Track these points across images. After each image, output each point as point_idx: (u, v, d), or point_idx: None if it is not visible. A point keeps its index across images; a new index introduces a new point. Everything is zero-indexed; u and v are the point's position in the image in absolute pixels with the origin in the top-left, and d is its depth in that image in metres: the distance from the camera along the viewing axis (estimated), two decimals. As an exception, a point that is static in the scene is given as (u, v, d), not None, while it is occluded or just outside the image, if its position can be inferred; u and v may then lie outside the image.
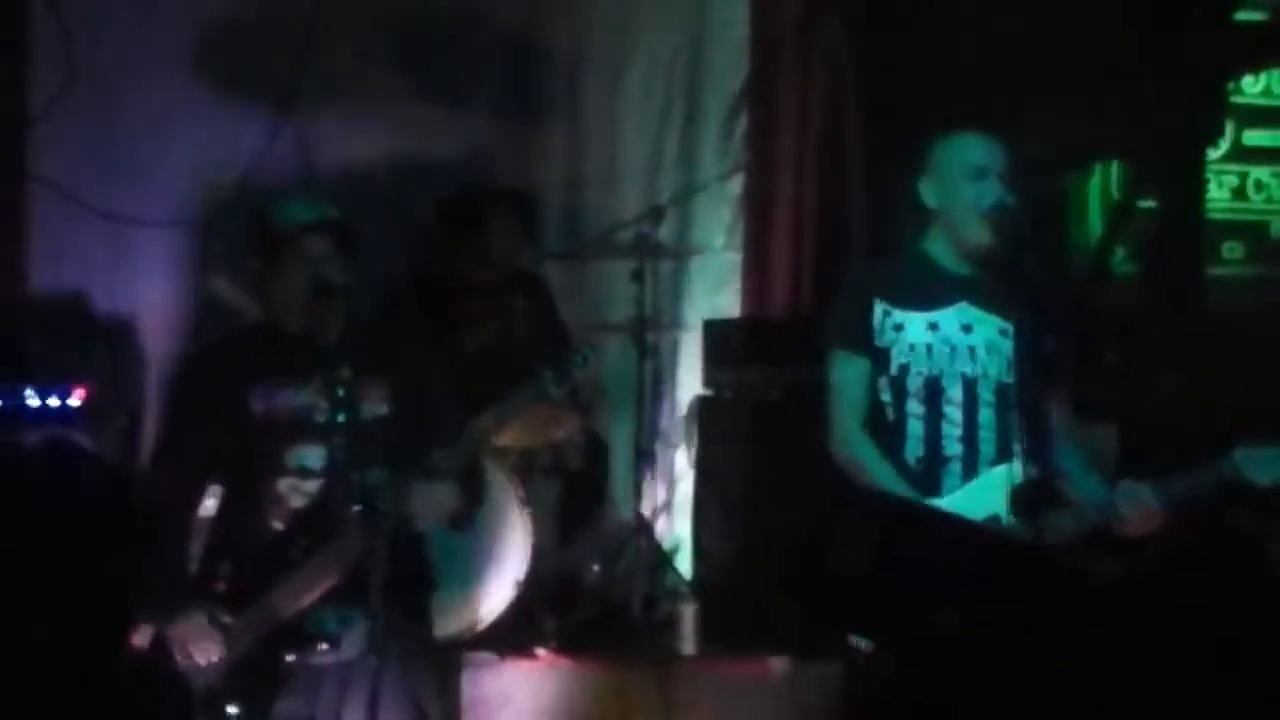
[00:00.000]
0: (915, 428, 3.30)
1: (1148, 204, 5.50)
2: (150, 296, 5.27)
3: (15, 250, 5.09)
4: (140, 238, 5.28)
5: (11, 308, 5.01)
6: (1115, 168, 5.80)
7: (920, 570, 2.98)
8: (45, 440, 4.52)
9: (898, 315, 3.34)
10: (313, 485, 3.39)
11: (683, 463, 5.69)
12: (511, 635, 4.55)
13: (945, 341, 3.31)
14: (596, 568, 5.14)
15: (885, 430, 3.30)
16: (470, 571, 4.53)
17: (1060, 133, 5.42)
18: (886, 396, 3.32)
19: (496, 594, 4.56)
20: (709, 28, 5.90)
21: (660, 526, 5.55)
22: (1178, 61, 5.25)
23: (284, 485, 3.39)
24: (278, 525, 3.39)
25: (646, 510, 5.19)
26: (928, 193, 3.41)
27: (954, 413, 3.29)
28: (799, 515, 4.55)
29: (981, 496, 3.23)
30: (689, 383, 5.69)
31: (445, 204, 5.22)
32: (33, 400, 4.56)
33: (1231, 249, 6.03)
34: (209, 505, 3.53)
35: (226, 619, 3.32)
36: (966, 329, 3.32)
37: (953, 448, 3.28)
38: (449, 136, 5.58)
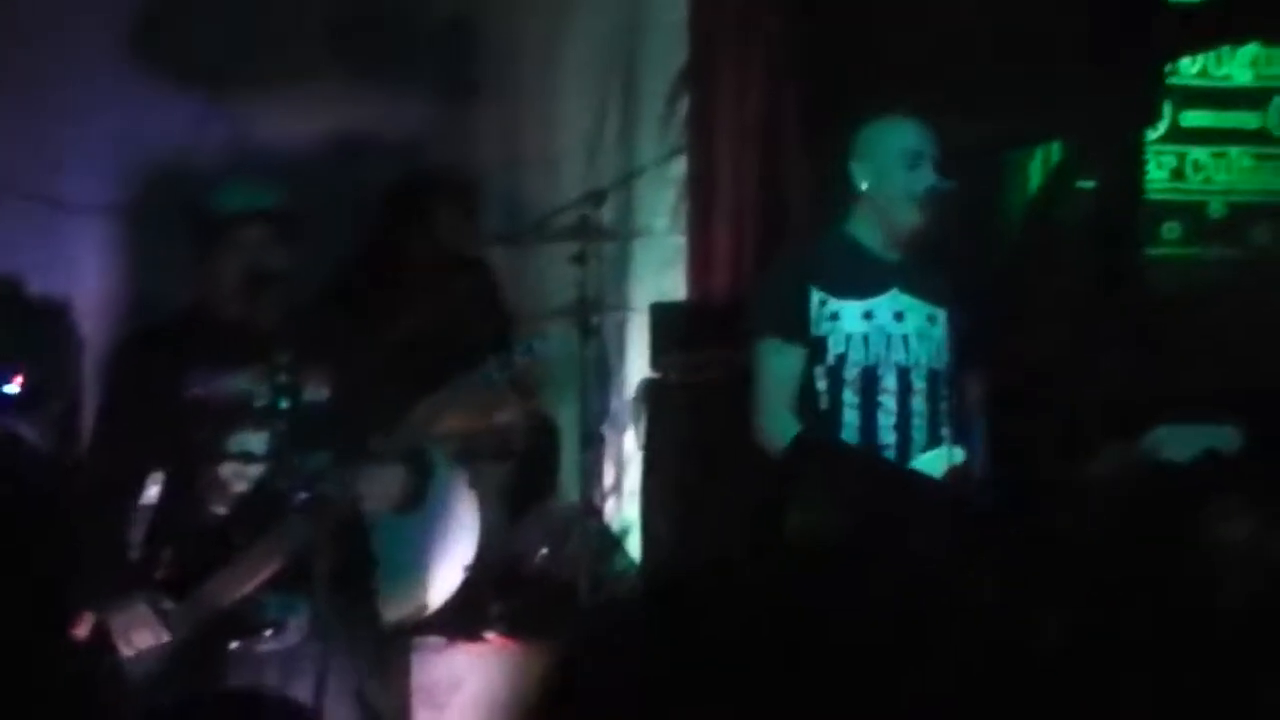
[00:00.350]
0: (850, 416, 3.33)
1: (1088, 185, 5.54)
2: (85, 281, 5.19)
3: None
4: (72, 222, 5.20)
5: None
6: (1056, 149, 5.83)
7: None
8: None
9: (834, 304, 3.36)
10: (255, 470, 3.36)
11: (631, 445, 5.69)
12: (459, 619, 4.53)
13: (880, 331, 3.34)
14: (545, 551, 5.12)
15: (818, 418, 3.32)
16: (417, 556, 4.50)
17: (999, 115, 5.44)
18: (822, 385, 3.35)
19: (444, 578, 4.54)
20: (647, 7, 5.88)
21: (609, 509, 5.54)
22: (1115, 43, 5.28)
23: (226, 470, 3.36)
24: (220, 510, 3.36)
25: (594, 494, 5.18)
26: (860, 175, 3.43)
27: (889, 401, 3.33)
28: (745, 497, 4.60)
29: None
30: (638, 366, 5.68)
31: (392, 189, 5.18)
32: (-33, 386, 4.51)
33: (1170, 229, 6.09)
34: (150, 493, 3.49)
35: (167, 605, 3.27)
36: (899, 317, 3.36)
37: (887, 436, 3.33)
38: (384, 118, 5.52)
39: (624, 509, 5.65)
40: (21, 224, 5.12)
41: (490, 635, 4.54)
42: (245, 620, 3.30)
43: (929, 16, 5.45)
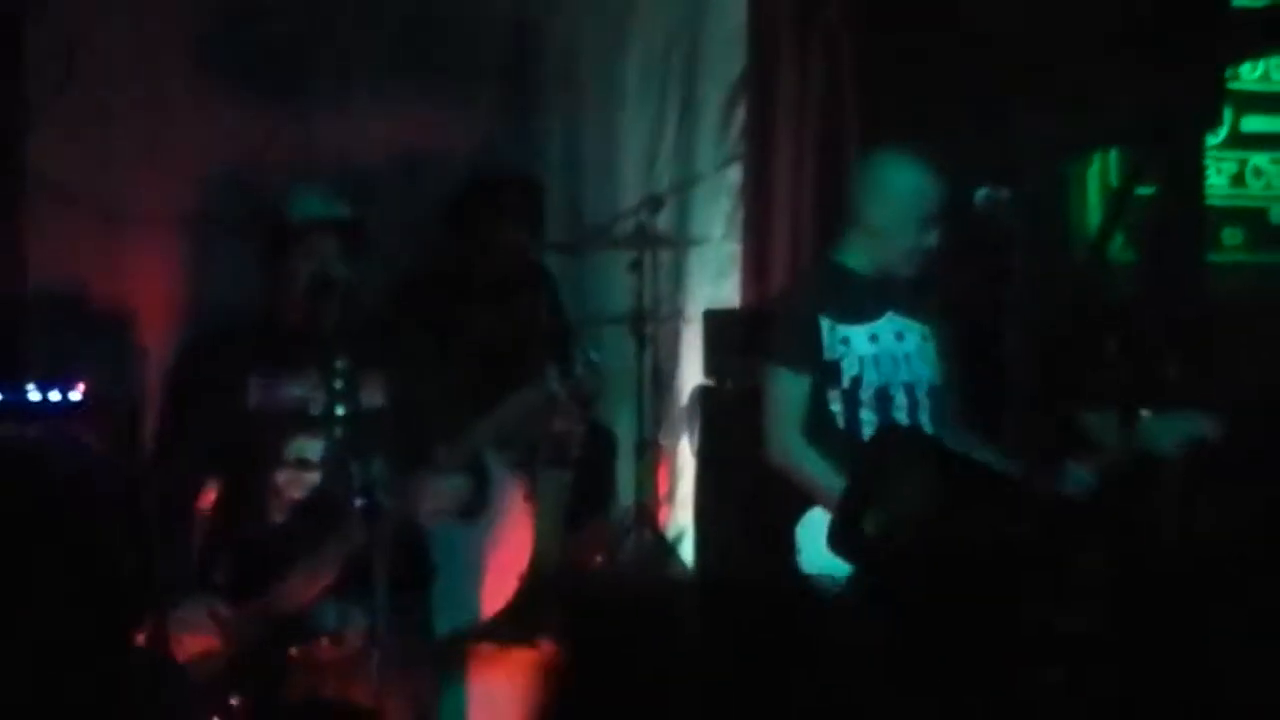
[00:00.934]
0: (869, 434, 3.52)
1: (1147, 191, 5.49)
2: (149, 292, 5.26)
3: (14, 248, 5.08)
4: (138, 233, 5.27)
5: (11, 304, 5.01)
6: (1114, 155, 5.79)
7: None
8: (48, 434, 4.52)
9: (842, 330, 3.56)
10: (312, 477, 3.39)
11: (686, 453, 5.70)
12: (515, 628, 4.55)
13: (886, 352, 3.56)
14: (600, 559, 5.14)
15: (835, 437, 3.50)
16: (473, 564, 4.53)
17: (1059, 120, 5.41)
18: (837, 407, 3.55)
19: (500, 587, 4.57)
20: (706, 15, 5.89)
21: (664, 516, 5.55)
22: (1177, 47, 5.24)
23: (283, 477, 3.39)
24: (277, 517, 3.39)
25: (649, 501, 5.19)
26: (871, 210, 3.58)
27: (902, 417, 3.56)
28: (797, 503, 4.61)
29: None
30: (693, 373, 5.69)
31: (457, 198, 5.21)
32: (34, 395, 4.57)
33: (1231, 235, 6.03)
34: (208, 499, 3.53)
35: (225, 611, 3.31)
36: (899, 337, 3.60)
37: None
38: (447, 127, 5.57)
39: (678, 516, 5.66)
40: (86, 234, 5.19)
41: (545, 643, 4.55)
42: (304, 628, 3.32)
43: (988, 23, 5.43)
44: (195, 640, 3.29)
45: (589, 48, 5.79)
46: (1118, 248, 5.57)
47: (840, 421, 3.56)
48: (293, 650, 3.32)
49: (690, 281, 5.83)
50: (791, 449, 3.54)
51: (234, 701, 3.29)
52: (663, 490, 5.62)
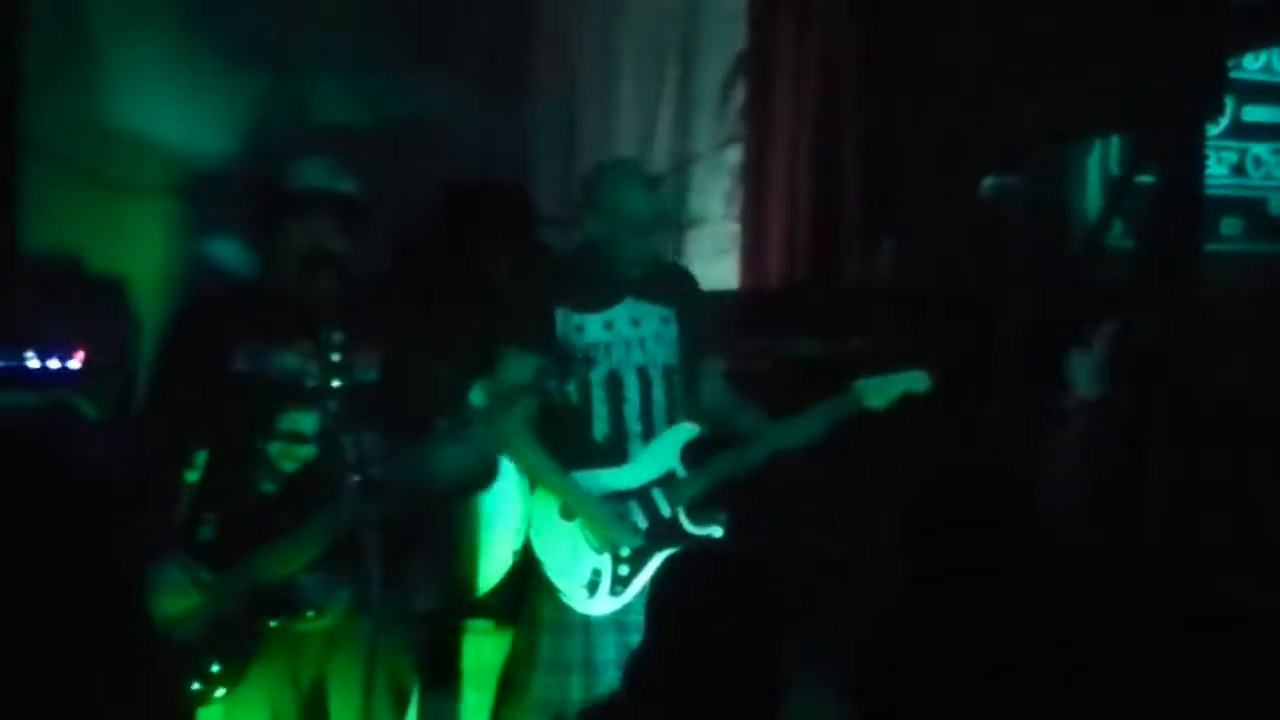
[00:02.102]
0: (600, 410, 3.77)
1: (1146, 179, 5.50)
2: (143, 260, 5.26)
3: (8, 215, 5.08)
4: (133, 201, 5.27)
5: (10, 272, 5.01)
6: (1115, 142, 5.79)
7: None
8: (46, 402, 4.53)
9: (576, 318, 3.77)
10: (304, 450, 3.37)
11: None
12: (508, 603, 4.55)
13: (620, 337, 3.77)
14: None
15: (568, 415, 3.73)
16: (467, 540, 4.54)
17: (1059, 106, 5.41)
18: (570, 387, 3.73)
19: (493, 563, 4.57)
20: (705, -7, 5.90)
21: (654, 495, 5.55)
22: (1178, 36, 5.24)
23: (275, 449, 3.37)
24: (267, 487, 3.38)
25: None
26: (594, 226, 3.80)
27: (633, 395, 3.78)
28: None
29: (659, 455, 3.79)
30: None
31: (455, 195, 5.21)
32: (33, 362, 4.58)
33: (1230, 225, 6.03)
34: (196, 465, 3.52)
35: (204, 575, 3.29)
36: (635, 322, 3.80)
37: (634, 425, 3.78)
38: (442, 103, 5.56)
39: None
40: (83, 203, 5.18)
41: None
42: (287, 599, 3.32)
43: (991, 8, 5.42)
44: (174, 601, 3.27)
45: (585, 25, 5.77)
46: (1116, 235, 5.59)
47: (575, 399, 3.76)
48: (275, 620, 3.32)
49: (689, 261, 5.81)
50: (511, 432, 3.68)
51: (215, 668, 3.29)
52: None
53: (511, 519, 4.59)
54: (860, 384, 3.84)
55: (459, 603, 4.58)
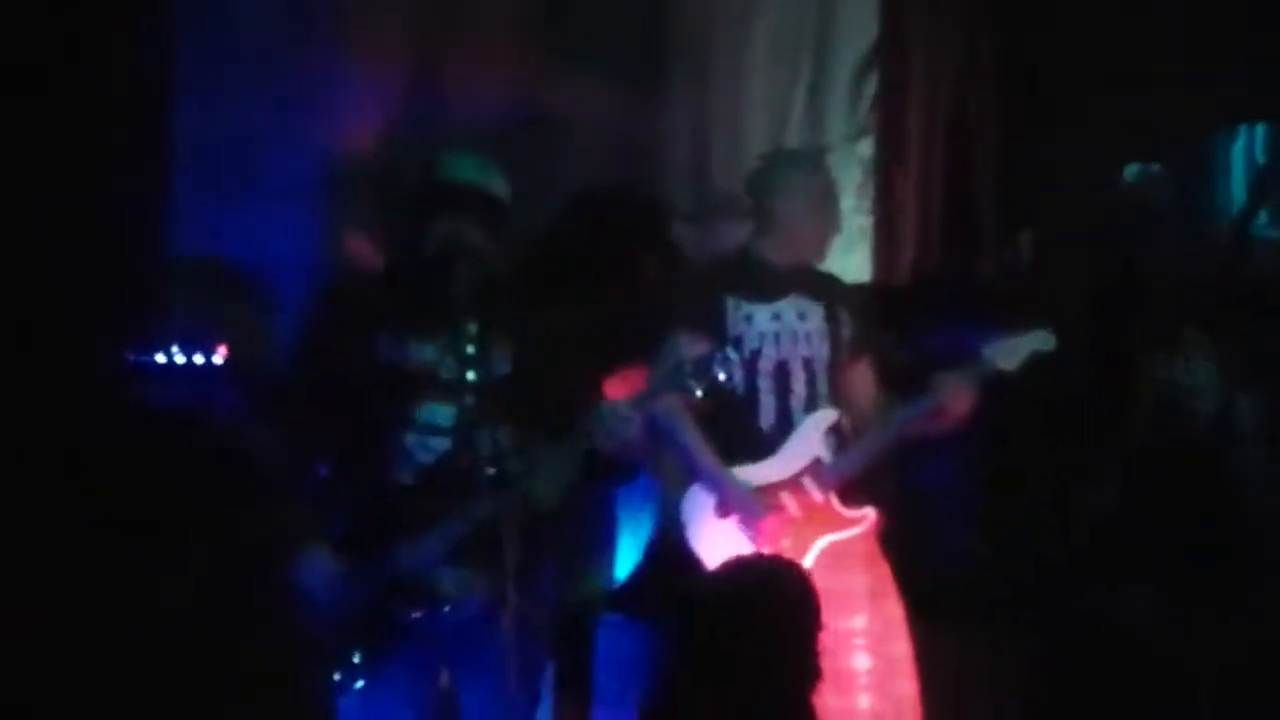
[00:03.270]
0: (768, 400, 3.86)
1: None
2: (287, 258, 5.34)
3: (157, 213, 5.19)
4: (278, 199, 5.35)
5: (154, 270, 5.12)
6: (1260, 130, 5.64)
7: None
8: (191, 397, 4.64)
9: (746, 308, 3.88)
10: (439, 442, 3.39)
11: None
12: (642, 599, 4.56)
13: (788, 329, 3.88)
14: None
15: (734, 403, 3.78)
16: (601, 534, 4.56)
17: (1202, 94, 5.29)
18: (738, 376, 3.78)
19: (626, 557, 4.59)
20: (837, -15, 5.85)
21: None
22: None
23: (411, 440, 3.39)
24: (404, 479, 3.40)
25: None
26: (779, 205, 3.94)
27: (799, 388, 3.87)
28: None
29: (805, 443, 3.87)
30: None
31: (586, 206, 5.23)
32: (178, 358, 4.69)
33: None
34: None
35: (342, 565, 3.33)
36: (802, 317, 3.91)
37: (800, 417, 3.87)
38: (579, 95, 5.57)
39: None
40: (226, 200, 5.28)
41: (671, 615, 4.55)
42: (428, 591, 3.35)
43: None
44: (316, 590, 3.33)
45: (719, 16, 5.75)
46: (1262, 225, 5.45)
47: (741, 389, 3.82)
48: (415, 612, 3.34)
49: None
50: (672, 410, 3.73)
51: (355, 659, 3.32)
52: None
53: (643, 513, 4.61)
54: (989, 348, 3.87)
55: (593, 596, 4.60)
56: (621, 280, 5.10)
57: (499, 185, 3.48)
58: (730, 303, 3.88)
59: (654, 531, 4.59)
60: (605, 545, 4.65)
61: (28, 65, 4.78)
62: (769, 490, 3.83)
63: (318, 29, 5.38)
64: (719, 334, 3.80)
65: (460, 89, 5.49)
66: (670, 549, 4.50)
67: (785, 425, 3.87)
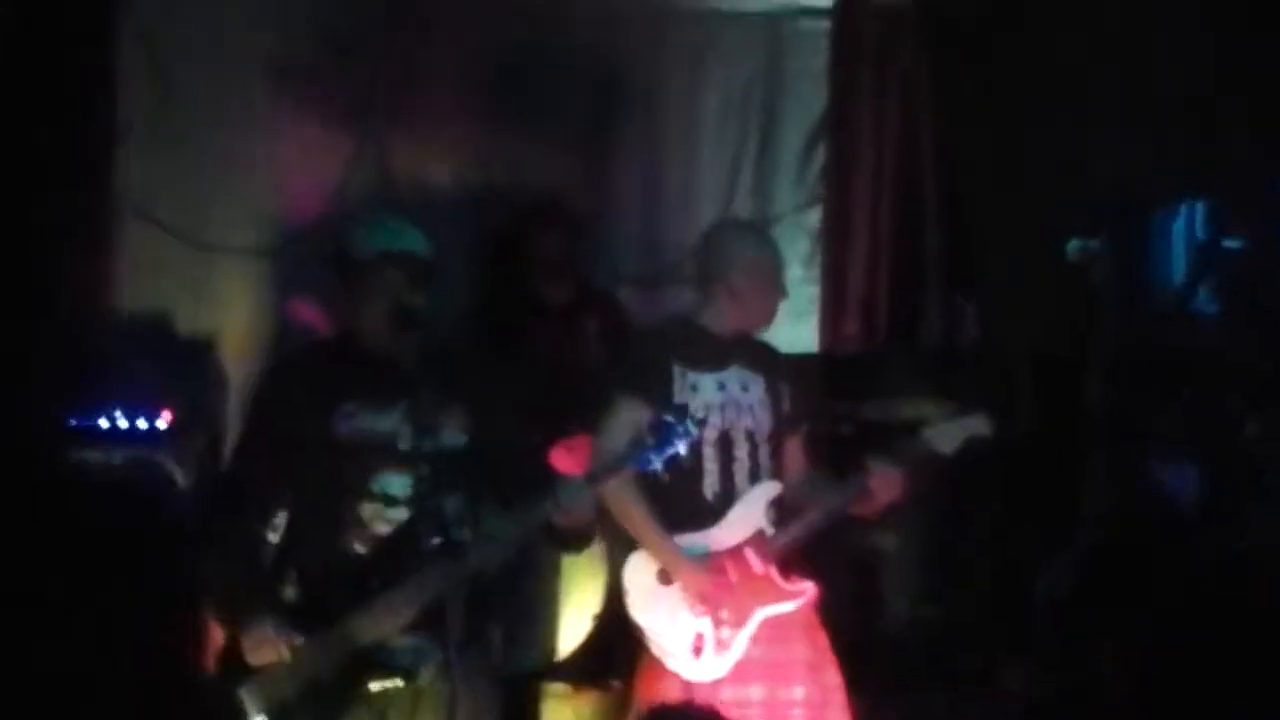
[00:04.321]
0: (711, 469, 3.86)
1: (1233, 244, 5.43)
2: (231, 320, 5.31)
3: (101, 272, 5.14)
4: (222, 261, 5.32)
5: (97, 330, 5.06)
6: (1200, 207, 5.73)
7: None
8: (132, 462, 4.57)
9: (692, 376, 3.88)
10: (395, 513, 3.39)
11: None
12: (588, 667, 4.54)
13: (732, 400, 3.89)
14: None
15: (677, 472, 3.69)
16: (547, 604, 4.52)
17: (1144, 169, 5.37)
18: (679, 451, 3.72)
19: (573, 626, 4.56)
20: (786, 55, 5.89)
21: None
22: (1263, 99, 5.19)
23: (367, 510, 3.39)
24: (358, 549, 3.38)
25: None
26: (733, 275, 3.93)
27: (743, 457, 3.88)
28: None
29: (748, 514, 3.86)
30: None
31: (503, 222, 5.25)
32: (120, 421, 4.62)
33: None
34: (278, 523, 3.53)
35: (295, 636, 3.30)
36: (744, 388, 3.92)
37: (744, 486, 3.87)
38: (526, 161, 5.59)
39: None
40: (170, 264, 5.24)
41: (617, 684, 4.53)
42: (381, 661, 3.31)
43: (1071, 69, 5.40)
44: (258, 655, 3.28)
45: (668, 85, 5.80)
46: (1203, 300, 5.52)
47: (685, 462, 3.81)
48: (372, 685, 3.30)
49: (767, 323, 5.80)
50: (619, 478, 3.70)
51: None
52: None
53: (593, 582, 4.58)
54: (927, 431, 3.91)
55: (539, 665, 4.56)
56: (566, 339, 5.09)
57: (415, 243, 3.49)
58: (676, 370, 3.88)
59: (600, 600, 4.58)
60: (551, 613, 4.61)
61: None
62: (711, 559, 3.83)
63: (266, 92, 5.37)
64: (666, 401, 3.80)
65: (407, 155, 5.50)
66: (614, 618, 4.50)
67: (728, 495, 3.87)
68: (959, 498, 5.04)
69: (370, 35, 5.47)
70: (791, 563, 3.88)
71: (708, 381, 3.88)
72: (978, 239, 5.74)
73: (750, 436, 3.89)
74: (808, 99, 5.89)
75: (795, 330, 5.77)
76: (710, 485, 3.85)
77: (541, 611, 4.54)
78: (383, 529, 3.39)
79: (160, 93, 5.27)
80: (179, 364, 5.05)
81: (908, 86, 5.82)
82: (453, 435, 3.43)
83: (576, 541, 3.63)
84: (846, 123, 5.84)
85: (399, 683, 3.32)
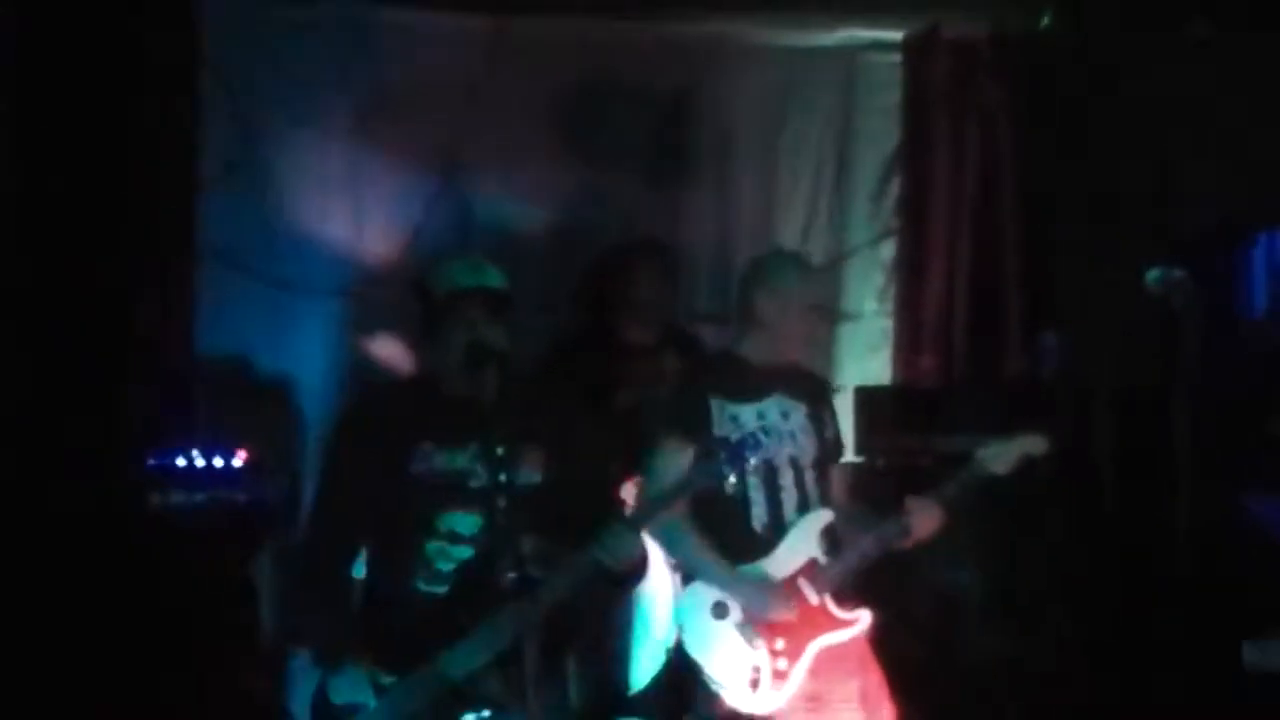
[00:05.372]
0: (758, 498, 3.83)
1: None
2: (309, 361, 5.37)
3: (183, 315, 5.22)
4: (302, 302, 5.39)
5: (178, 371, 5.14)
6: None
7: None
8: (210, 502, 4.63)
9: (731, 409, 3.85)
10: (461, 550, 3.41)
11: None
12: (664, 700, 4.51)
13: (773, 428, 3.84)
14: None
15: (723, 504, 3.75)
16: (622, 639, 4.52)
17: (1227, 198, 5.30)
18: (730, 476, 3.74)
19: (647, 661, 4.54)
20: (861, 90, 5.89)
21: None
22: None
23: (432, 548, 3.41)
24: (424, 587, 3.40)
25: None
26: (764, 305, 3.90)
27: (789, 484, 3.86)
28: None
29: (800, 544, 3.83)
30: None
31: (595, 259, 5.26)
32: (198, 461, 4.68)
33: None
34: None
35: (386, 677, 3.32)
36: (785, 416, 3.88)
37: (792, 516, 3.84)
38: (604, 197, 5.62)
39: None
40: (250, 305, 5.32)
41: (691, 718, 4.50)
42: (471, 697, 3.33)
43: (1150, 99, 5.34)
44: (353, 700, 3.31)
45: (746, 121, 5.81)
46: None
47: (730, 489, 3.79)
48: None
49: (842, 356, 5.78)
50: (664, 521, 3.67)
51: None
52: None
53: (665, 616, 4.57)
54: (981, 452, 3.88)
55: (613, 700, 4.55)
56: (645, 377, 5.09)
57: (493, 279, 3.51)
58: (715, 405, 3.86)
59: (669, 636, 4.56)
60: (624, 650, 4.60)
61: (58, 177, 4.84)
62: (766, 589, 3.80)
63: (346, 134, 5.44)
64: (707, 437, 3.78)
65: (486, 193, 5.55)
66: (677, 654, 4.49)
67: (778, 526, 3.84)
68: (1038, 533, 4.97)
69: (448, 74, 5.52)
70: (847, 591, 3.84)
71: (747, 412, 3.86)
72: (1060, 270, 5.68)
73: (794, 463, 3.86)
74: (881, 133, 5.88)
75: (870, 363, 5.77)
76: (758, 516, 3.83)
77: (615, 647, 4.53)
78: (447, 566, 3.40)
79: (242, 137, 5.35)
80: (258, 403, 5.11)
81: (982, 118, 5.80)
82: (529, 473, 3.44)
83: (627, 580, 3.60)
84: (920, 156, 5.82)
85: (486, 716, 3.32)
